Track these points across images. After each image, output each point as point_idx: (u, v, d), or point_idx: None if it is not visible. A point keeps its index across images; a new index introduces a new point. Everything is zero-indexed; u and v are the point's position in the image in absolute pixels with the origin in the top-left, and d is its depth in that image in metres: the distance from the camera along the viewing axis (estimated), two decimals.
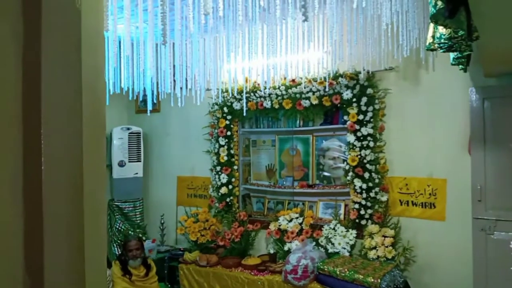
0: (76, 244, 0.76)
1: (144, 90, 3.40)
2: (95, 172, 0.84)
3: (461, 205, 3.28)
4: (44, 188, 0.69)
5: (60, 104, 0.74)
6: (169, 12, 1.70)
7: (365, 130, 3.63)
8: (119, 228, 4.76)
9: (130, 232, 4.65)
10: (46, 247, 0.70)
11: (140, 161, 4.97)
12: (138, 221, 4.92)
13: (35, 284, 0.69)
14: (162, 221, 4.82)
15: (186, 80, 3.20)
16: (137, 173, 4.95)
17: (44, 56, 0.71)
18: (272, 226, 4.05)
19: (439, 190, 3.47)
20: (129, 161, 4.89)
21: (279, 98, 4.10)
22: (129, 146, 4.90)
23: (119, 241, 4.66)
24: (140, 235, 4.51)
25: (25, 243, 0.69)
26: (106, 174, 1.09)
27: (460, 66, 2.52)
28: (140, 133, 4.99)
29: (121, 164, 4.85)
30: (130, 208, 4.88)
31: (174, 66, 3.24)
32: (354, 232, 3.68)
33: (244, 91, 3.59)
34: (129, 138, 4.90)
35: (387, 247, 3.45)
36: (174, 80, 3.26)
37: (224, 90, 4.12)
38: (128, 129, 4.92)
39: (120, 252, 3.72)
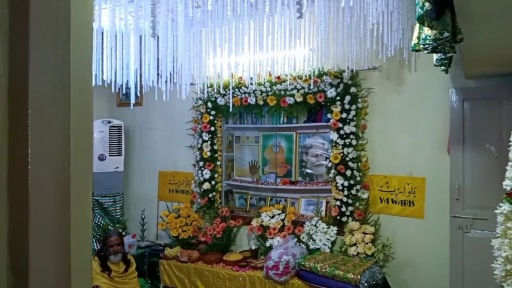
0: (62, 240, 0.74)
1: (127, 83, 3.33)
2: (82, 167, 0.82)
3: (440, 204, 3.35)
4: (31, 182, 0.67)
5: (48, 97, 0.71)
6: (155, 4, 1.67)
7: (348, 128, 3.67)
8: (98, 223, 4.68)
9: (109, 227, 4.58)
10: (31, 242, 0.68)
11: (121, 155, 4.90)
12: (118, 216, 4.85)
13: (19, 280, 0.67)
14: (143, 216, 4.77)
15: (171, 74, 3.16)
16: (117, 167, 4.87)
17: (32, 47, 0.69)
18: (254, 222, 4.06)
19: (418, 188, 3.54)
20: (109, 155, 4.80)
21: (264, 94, 4.10)
22: (109, 140, 4.81)
23: (98, 236, 4.58)
24: (120, 230, 4.45)
25: (10, 238, 0.67)
26: (92, 168, 1.05)
27: (443, 67, 2.57)
28: (121, 126, 4.90)
29: (101, 158, 4.76)
30: (110, 203, 4.80)
31: (158, 59, 3.19)
32: (335, 228, 3.73)
33: (231, 87, 3.57)
34: (110, 131, 4.81)
35: (367, 243, 3.50)
36: (158, 74, 3.20)
37: (208, 85, 4.09)
38: (109, 122, 4.83)
39: (99, 248, 3.65)
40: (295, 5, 1.73)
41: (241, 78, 4.10)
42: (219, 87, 3.67)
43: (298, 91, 3.92)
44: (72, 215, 0.77)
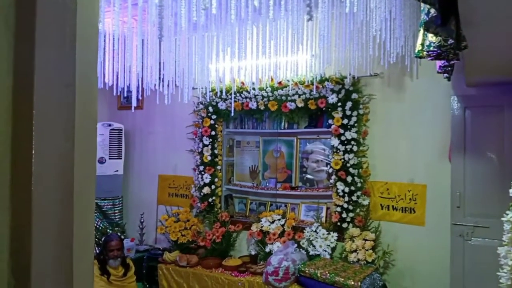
0: (65, 244, 0.73)
1: (129, 86, 3.33)
2: (86, 169, 0.81)
3: (440, 211, 3.34)
4: (34, 183, 0.66)
5: (52, 97, 0.70)
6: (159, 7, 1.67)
7: (349, 135, 3.67)
8: (97, 226, 4.65)
9: (108, 230, 4.56)
10: (34, 246, 0.66)
11: (120, 159, 4.88)
12: (117, 220, 4.82)
13: (21, 285, 0.66)
14: (142, 220, 4.74)
15: (172, 78, 3.15)
16: (117, 171, 4.86)
17: (38, 45, 0.68)
18: (254, 227, 4.04)
19: (419, 195, 3.53)
20: (109, 158, 4.79)
21: (265, 99, 4.10)
22: (110, 143, 4.80)
23: (96, 239, 4.56)
24: (119, 234, 4.42)
25: (12, 241, 0.66)
26: (96, 170, 1.04)
27: (446, 74, 2.57)
28: (121, 129, 4.90)
29: (101, 161, 4.75)
30: (109, 206, 4.78)
31: (160, 63, 3.18)
32: (335, 235, 3.71)
33: (233, 91, 3.57)
34: (110, 134, 4.81)
35: (367, 250, 3.48)
36: (160, 77, 3.20)
37: (210, 90, 4.09)
38: (110, 125, 4.83)
39: (98, 251, 3.63)
40: (304, 8, 1.73)
41: (243, 83, 4.10)
42: (221, 91, 3.66)
43: (299, 97, 3.92)
44: (75, 219, 0.76)
